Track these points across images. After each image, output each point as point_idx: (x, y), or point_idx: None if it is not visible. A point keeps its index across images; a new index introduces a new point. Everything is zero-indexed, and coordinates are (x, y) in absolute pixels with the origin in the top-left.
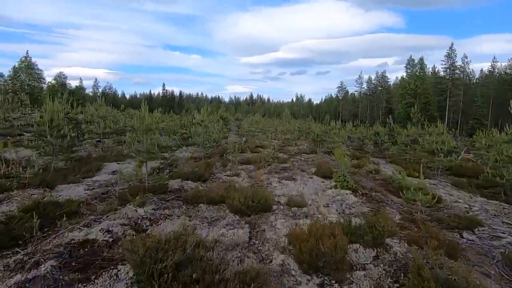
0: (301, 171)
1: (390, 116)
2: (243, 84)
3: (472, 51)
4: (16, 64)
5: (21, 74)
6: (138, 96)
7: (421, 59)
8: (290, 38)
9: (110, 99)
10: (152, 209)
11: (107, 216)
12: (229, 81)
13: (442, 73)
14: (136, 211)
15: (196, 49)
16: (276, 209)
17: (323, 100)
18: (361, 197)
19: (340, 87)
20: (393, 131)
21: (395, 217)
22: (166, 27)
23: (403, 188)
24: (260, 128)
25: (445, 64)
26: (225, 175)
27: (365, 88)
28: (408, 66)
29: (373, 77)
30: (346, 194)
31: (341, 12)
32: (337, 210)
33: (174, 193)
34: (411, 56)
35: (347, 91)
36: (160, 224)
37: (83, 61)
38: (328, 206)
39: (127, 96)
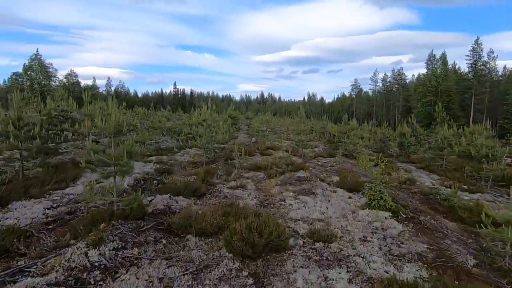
0: (321, 181)
1: (412, 116)
2: (255, 82)
3: (491, 49)
4: (26, 62)
5: (31, 72)
6: (150, 94)
7: (443, 55)
8: (302, 36)
9: (122, 97)
10: (113, 249)
11: (42, 262)
12: (241, 80)
13: (465, 70)
14: (87, 254)
15: (208, 48)
16: (294, 245)
17: (335, 98)
18: (406, 223)
19: (354, 85)
20: (416, 132)
21: (467, 261)
22: (178, 27)
23: (455, 207)
24: (271, 127)
25: (469, 59)
26: (227, 187)
27: (380, 86)
28: (428, 63)
29: (388, 74)
30: (386, 218)
31: (354, 10)
32: (380, 248)
33: (155, 218)
34: (432, 52)
35: (361, 89)
36: (119, 277)
37: (98, 61)
38: (366, 241)
39: (140, 95)
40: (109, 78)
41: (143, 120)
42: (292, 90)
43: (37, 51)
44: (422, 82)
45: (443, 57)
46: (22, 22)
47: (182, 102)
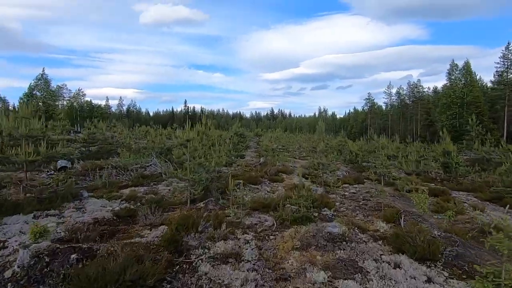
0: (360, 231)
1: (443, 130)
2: (264, 99)
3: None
4: (32, 82)
5: (37, 92)
6: (161, 113)
7: (467, 64)
8: (310, 53)
9: (134, 116)
10: None
11: None
12: (251, 97)
13: (484, 81)
14: None
15: (219, 67)
16: None
17: (346, 114)
18: None
19: (367, 99)
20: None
21: None
22: (192, 47)
23: None
24: (282, 145)
25: (499, 67)
26: (210, 257)
27: (395, 99)
28: (451, 73)
29: (404, 87)
30: None
31: (361, 27)
32: None
33: None
34: (453, 61)
35: (374, 104)
36: None
37: (114, 82)
38: None
39: (151, 113)
40: (120, 97)
41: (139, 140)
42: (301, 107)
43: (43, 70)
44: (445, 94)
45: (467, 67)
46: (45, 48)
47: (192, 120)
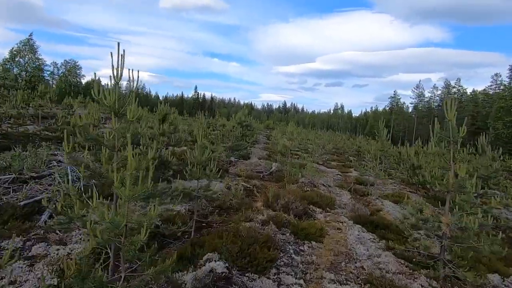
0: None
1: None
2: (278, 92)
3: None
4: (15, 47)
5: (20, 60)
6: (170, 98)
7: None
8: (327, 49)
9: (143, 98)
10: None
11: None
12: (264, 89)
13: None
14: None
15: (235, 57)
16: None
17: (362, 112)
18: None
19: (392, 97)
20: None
21: None
22: (209, 35)
23: None
24: (299, 142)
25: None
26: None
27: (428, 99)
28: None
29: (439, 86)
30: None
31: (383, 25)
32: None
33: None
34: None
35: (398, 102)
36: None
37: (129, 64)
38: None
39: (161, 98)
40: (129, 78)
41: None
42: (314, 102)
43: (30, 35)
44: (504, 96)
45: None
46: (64, 25)
47: (202, 107)
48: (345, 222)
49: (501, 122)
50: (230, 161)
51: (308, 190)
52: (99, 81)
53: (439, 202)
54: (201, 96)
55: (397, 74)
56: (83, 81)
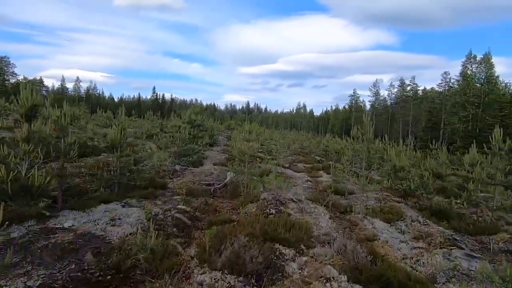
0: None
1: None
2: (241, 93)
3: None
4: None
5: None
6: (126, 99)
7: (487, 56)
8: (288, 51)
9: (94, 100)
10: None
11: None
12: (227, 90)
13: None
14: None
15: (197, 58)
16: None
17: (323, 111)
18: None
19: (352, 95)
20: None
21: None
22: (169, 35)
23: None
24: (262, 143)
25: None
26: None
27: (384, 97)
28: (467, 66)
29: (396, 84)
30: None
31: (339, 29)
32: None
33: None
34: (470, 52)
35: (358, 101)
36: None
37: (83, 64)
38: None
39: (116, 99)
40: (78, 78)
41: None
42: (277, 103)
43: None
44: (458, 91)
45: (486, 59)
46: (4, 19)
47: (161, 108)
48: (334, 278)
49: (457, 117)
50: (174, 170)
51: (272, 214)
52: None
53: (437, 216)
54: (160, 97)
55: (352, 75)
56: (12, 80)
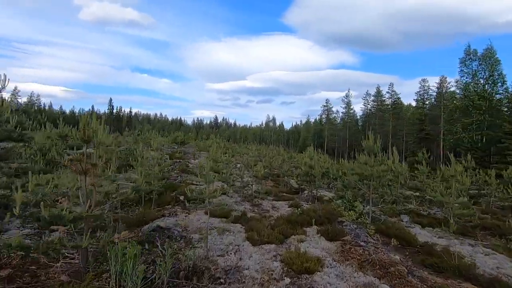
0: None
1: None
2: (211, 109)
3: (413, 91)
4: None
5: None
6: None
7: (489, 50)
8: (257, 68)
9: (35, 113)
10: None
11: None
12: (196, 105)
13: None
14: None
15: (166, 73)
16: None
17: (293, 125)
18: None
19: (325, 106)
20: None
21: None
22: (136, 50)
23: None
24: (218, 163)
25: None
26: None
27: (362, 108)
28: (467, 63)
29: (371, 92)
30: None
31: (305, 49)
32: None
33: None
34: (469, 47)
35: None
36: None
37: (41, 78)
38: None
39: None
40: (15, 88)
41: None
42: (247, 118)
43: None
44: (466, 96)
45: (490, 54)
46: None
47: (119, 123)
48: None
49: (461, 125)
50: None
51: None
52: None
53: None
54: (117, 110)
55: (319, 92)
56: None
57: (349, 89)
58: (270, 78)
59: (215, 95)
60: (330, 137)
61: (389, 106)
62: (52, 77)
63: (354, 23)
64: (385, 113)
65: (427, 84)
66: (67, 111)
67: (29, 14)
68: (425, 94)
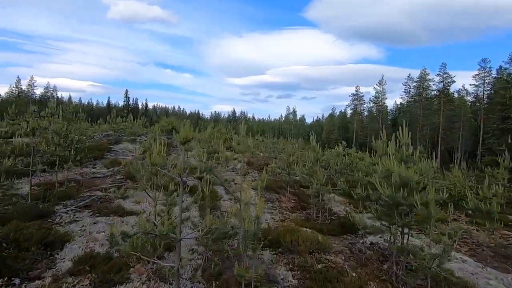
0: None
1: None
2: (231, 104)
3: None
4: None
5: None
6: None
7: None
8: (278, 63)
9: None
10: None
11: None
12: (217, 100)
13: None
14: None
15: (188, 69)
16: None
17: (314, 120)
18: None
19: (355, 94)
20: None
21: None
22: (161, 46)
23: None
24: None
25: None
26: None
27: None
28: None
29: (414, 77)
30: None
31: (327, 43)
32: None
33: None
34: None
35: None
36: None
37: (72, 73)
38: None
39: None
40: (31, 77)
41: None
42: (267, 113)
43: None
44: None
45: None
46: None
47: (134, 114)
48: None
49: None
50: None
51: None
52: None
53: None
54: (134, 102)
55: (341, 87)
56: None
57: (383, 76)
58: (291, 72)
59: (235, 89)
60: (360, 130)
61: (438, 93)
62: (82, 73)
63: (378, 17)
64: (433, 101)
65: (488, 66)
66: (86, 103)
67: (62, 14)
68: (485, 78)
